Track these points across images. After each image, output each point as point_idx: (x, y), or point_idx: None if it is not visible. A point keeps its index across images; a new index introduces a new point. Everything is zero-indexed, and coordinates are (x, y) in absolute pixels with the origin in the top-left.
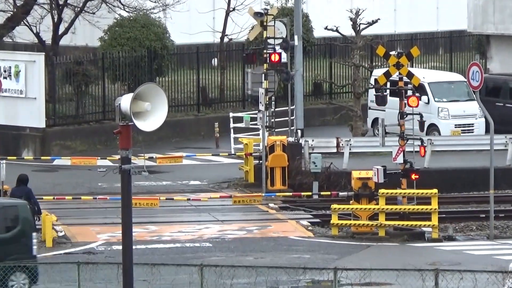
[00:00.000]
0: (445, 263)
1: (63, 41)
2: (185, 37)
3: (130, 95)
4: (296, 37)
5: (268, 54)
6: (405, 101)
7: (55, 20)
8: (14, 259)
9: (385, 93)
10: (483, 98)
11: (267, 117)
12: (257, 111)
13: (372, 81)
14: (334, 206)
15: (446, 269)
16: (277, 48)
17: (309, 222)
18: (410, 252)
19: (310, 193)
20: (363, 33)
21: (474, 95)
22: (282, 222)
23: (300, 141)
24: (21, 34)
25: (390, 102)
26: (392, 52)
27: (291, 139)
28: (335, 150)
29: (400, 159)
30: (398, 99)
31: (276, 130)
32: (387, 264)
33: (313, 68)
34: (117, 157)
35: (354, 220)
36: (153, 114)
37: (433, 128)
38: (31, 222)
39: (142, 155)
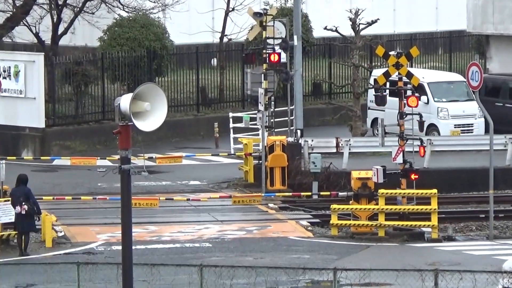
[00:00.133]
0: (445, 263)
1: (63, 41)
2: (185, 37)
3: (130, 95)
4: (295, 37)
5: (267, 54)
6: (405, 101)
7: (55, 20)
8: None
9: (384, 93)
10: (482, 98)
11: (267, 117)
12: (256, 111)
13: (371, 81)
14: (333, 206)
15: (446, 269)
16: (277, 48)
17: (308, 222)
18: (410, 252)
19: (309, 193)
20: (362, 33)
21: (474, 95)
22: (282, 222)
23: (300, 141)
24: (21, 34)
25: (389, 102)
26: (392, 52)
27: (290, 139)
28: (334, 150)
29: (399, 159)
30: (397, 99)
31: (275, 130)
32: (386, 265)
33: (313, 68)
34: (117, 157)
35: (353, 220)
36: (153, 114)
37: (432, 128)
38: None
39: (142, 155)
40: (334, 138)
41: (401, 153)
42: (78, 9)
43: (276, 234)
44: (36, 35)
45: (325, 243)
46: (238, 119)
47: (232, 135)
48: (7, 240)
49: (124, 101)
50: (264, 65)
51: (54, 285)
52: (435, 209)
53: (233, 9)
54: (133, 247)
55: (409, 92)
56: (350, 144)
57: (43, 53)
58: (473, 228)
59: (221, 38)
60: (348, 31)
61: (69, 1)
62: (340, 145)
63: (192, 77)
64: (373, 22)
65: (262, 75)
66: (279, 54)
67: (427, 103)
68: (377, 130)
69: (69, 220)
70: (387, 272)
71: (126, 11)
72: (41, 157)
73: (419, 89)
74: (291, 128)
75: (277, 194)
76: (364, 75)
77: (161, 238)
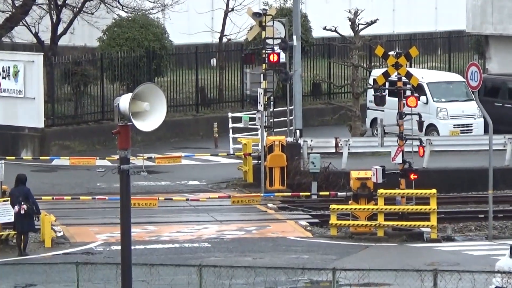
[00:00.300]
0: (444, 263)
1: (62, 41)
2: (184, 37)
3: (129, 95)
4: (294, 37)
5: (266, 54)
6: (404, 101)
7: (54, 20)
8: None
9: (384, 93)
10: (481, 98)
11: (266, 117)
12: (255, 111)
13: (371, 81)
14: (332, 206)
15: (445, 269)
16: (276, 48)
17: (307, 222)
18: (409, 253)
19: (309, 193)
20: (361, 33)
21: (473, 95)
22: (281, 222)
23: (299, 141)
24: (20, 34)
25: (389, 102)
26: (391, 52)
27: (290, 139)
28: (334, 150)
29: (399, 159)
30: (397, 99)
31: (275, 130)
32: (385, 265)
33: (312, 68)
34: (116, 157)
35: (352, 220)
36: (152, 114)
37: (432, 128)
38: None
39: (141, 155)
40: (333, 138)
41: (400, 153)
42: (77, 9)
43: (275, 234)
44: (36, 35)
45: (324, 243)
46: (237, 119)
47: (231, 135)
48: (6, 240)
49: (124, 101)
50: (264, 65)
51: (53, 285)
52: (434, 209)
53: (232, 9)
54: (132, 247)
55: (408, 92)
56: (349, 144)
57: (43, 53)
58: (472, 228)
59: (221, 38)
60: (347, 31)
61: (69, 1)
62: (339, 145)
63: (191, 77)
64: (373, 22)
65: (262, 75)
66: (278, 54)
67: (426, 103)
68: (376, 130)
69: (68, 220)
70: (386, 272)
71: (125, 11)
72: (40, 157)
73: (419, 89)
74: (290, 128)
75: (276, 194)
76: (364, 75)
77: (160, 238)
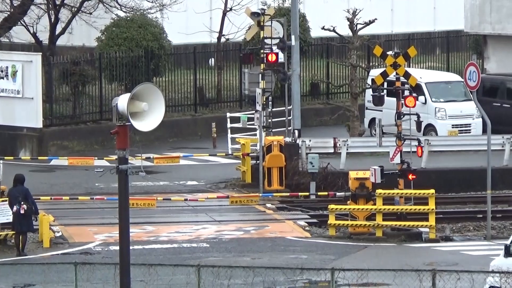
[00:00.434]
0: (443, 263)
1: (60, 41)
2: (182, 37)
3: (127, 95)
4: (293, 37)
5: (265, 54)
6: (402, 101)
7: (52, 20)
8: None
9: (382, 93)
10: (480, 98)
11: (264, 117)
12: (254, 111)
13: (369, 81)
14: (331, 206)
15: (444, 269)
16: (274, 48)
17: (306, 222)
18: (408, 253)
19: (307, 194)
20: (360, 33)
21: (471, 95)
22: (279, 223)
23: (297, 141)
24: (18, 34)
25: (387, 102)
26: (389, 52)
27: (288, 139)
28: (332, 150)
29: (397, 160)
30: (395, 99)
31: (273, 130)
32: (384, 265)
33: (310, 68)
34: (114, 157)
35: (351, 220)
36: (150, 114)
37: (430, 128)
38: None
39: (139, 155)
40: (331, 138)
41: (399, 153)
42: (75, 9)
43: (274, 234)
44: (34, 35)
45: (323, 243)
46: (235, 119)
47: (229, 135)
48: (4, 240)
49: (122, 101)
50: (262, 65)
51: (52, 285)
52: (432, 209)
53: (230, 9)
54: (131, 247)
55: (406, 92)
56: (347, 144)
57: (41, 53)
58: (470, 228)
59: (219, 38)
60: (345, 31)
61: (67, 1)
62: (338, 145)
63: (189, 77)
64: (371, 22)
65: (260, 75)
66: (276, 54)
67: (425, 103)
68: (375, 130)
69: (66, 220)
70: (384, 272)
71: (123, 11)
72: (39, 157)
73: (417, 89)
74: (289, 128)
75: (274, 194)
76: (362, 75)
77: (158, 238)
